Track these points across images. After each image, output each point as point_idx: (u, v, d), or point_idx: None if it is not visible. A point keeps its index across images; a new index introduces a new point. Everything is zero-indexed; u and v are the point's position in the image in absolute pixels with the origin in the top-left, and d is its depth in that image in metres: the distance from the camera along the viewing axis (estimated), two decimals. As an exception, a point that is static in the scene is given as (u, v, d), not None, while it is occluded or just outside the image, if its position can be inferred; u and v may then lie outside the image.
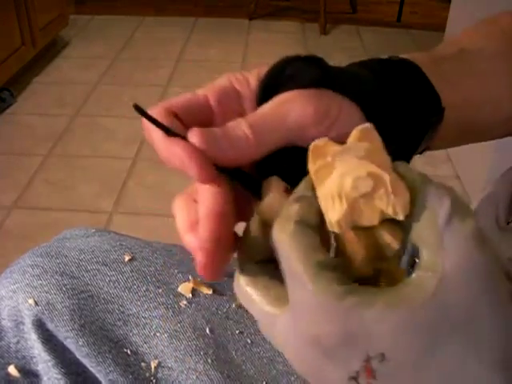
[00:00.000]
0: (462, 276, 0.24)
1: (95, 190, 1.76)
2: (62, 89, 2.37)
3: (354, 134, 0.29)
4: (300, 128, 0.31)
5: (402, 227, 0.27)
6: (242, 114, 0.34)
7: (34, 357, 0.48)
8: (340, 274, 0.26)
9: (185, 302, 0.48)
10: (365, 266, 0.27)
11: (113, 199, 1.72)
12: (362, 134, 0.29)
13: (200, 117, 0.33)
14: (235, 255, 0.31)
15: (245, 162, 0.31)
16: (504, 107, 0.43)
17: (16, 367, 0.48)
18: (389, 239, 0.27)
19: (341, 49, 2.84)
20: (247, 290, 0.29)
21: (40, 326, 0.46)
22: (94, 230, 0.54)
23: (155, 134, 0.31)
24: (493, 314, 0.24)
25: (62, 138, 2.03)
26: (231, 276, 0.47)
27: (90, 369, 0.47)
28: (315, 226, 0.27)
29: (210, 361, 0.45)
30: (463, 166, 1.84)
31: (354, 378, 0.25)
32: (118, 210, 1.68)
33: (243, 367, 0.45)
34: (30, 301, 0.47)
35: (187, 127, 0.31)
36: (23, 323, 0.47)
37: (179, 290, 0.49)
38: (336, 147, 0.29)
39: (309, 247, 0.26)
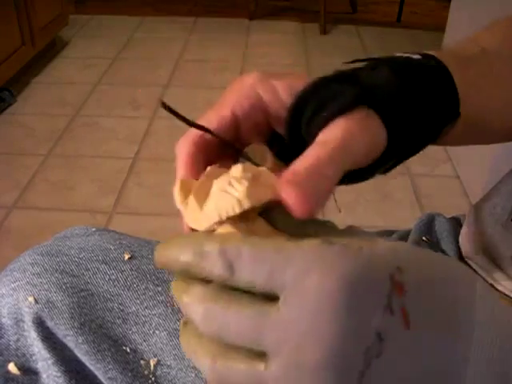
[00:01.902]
0: None
1: (95, 190, 1.76)
2: (62, 89, 2.37)
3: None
4: (356, 160, 0.31)
5: None
6: (267, 122, 0.34)
7: (34, 354, 0.48)
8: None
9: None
10: None
11: (113, 199, 1.72)
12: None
13: (228, 134, 0.34)
14: None
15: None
16: None
17: (16, 365, 0.49)
18: None
19: (341, 49, 2.84)
20: None
21: (40, 324, 0.47)
22: (94, 229, 0.55)
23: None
24: None
25: (62, 138, 2.03)
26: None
27: (90, 366, 0.47)
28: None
29: (209, 359, 0.45)
30: (463, 166, 1.85)
31: (389, 306, 0.24)
32: (118, 210, 1.69)
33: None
34: (30, 299, 0.47)
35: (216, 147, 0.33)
36: (23, 321, 0.48)
37: (178, 288, 0.49)
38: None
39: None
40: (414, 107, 0.34)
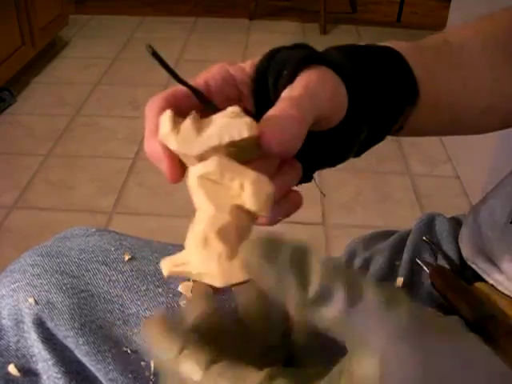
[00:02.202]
0: None
1: (95, 190, 1.76)
2: (61, 89, 2.37)
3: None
4: (322, 107, 0.32)
5: None
6: (238, 97, 0.36)
7: (34, 356, 0.48)
8: None
9: (184, 302, 0.48)
10: None
11: (113, 199, 1.72)
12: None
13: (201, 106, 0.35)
14: None
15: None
16: (480, 100, 0.45)
17: (16, 366, 0.48)
18: None
19: (341, 49, 2.84)
20: None
21: (40, 325, 0.47)
22: (94, 230, 0.55)
23: (147, 131, 0.33)
24: None
25: (62, 138, 2.03)
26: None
27: (90, 368, 0.47)
28: None
29: (209, 360, 0.45)
30: (463, 166, 1.85)
31: None
32: (118, 210, 1.68)
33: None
34: (30, 300, 0.47)
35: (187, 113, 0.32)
36: (23, 322, 0.47)
37: (179, 289, 0.49)
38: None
39: None
40: (367, 74, 0.37)
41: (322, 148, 0.36)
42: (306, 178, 0.38)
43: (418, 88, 0.39)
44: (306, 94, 0.32)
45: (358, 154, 0.40)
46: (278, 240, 0.24)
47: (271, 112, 0.31)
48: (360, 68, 0.37)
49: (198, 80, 0.36)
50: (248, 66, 0.36)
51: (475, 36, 0.46)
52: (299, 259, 0.23)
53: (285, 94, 0.33)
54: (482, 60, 0.45)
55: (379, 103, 0.37)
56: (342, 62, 0.36)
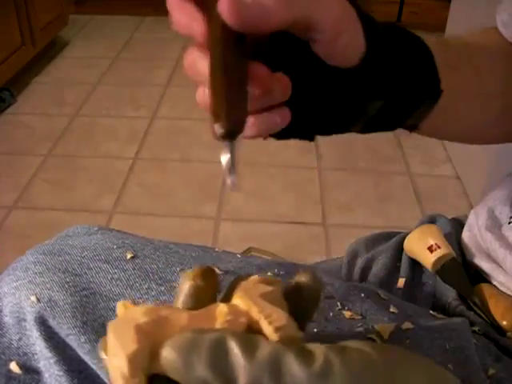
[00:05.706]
0: None
1: (95, 190, 1.76)
2: (61, 89, 2.37)
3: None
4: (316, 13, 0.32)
5: None
6: None
7: (36, 354, 0.48)
8: None
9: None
10: None
11: (113, 199, 1.72)
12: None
13: None
14: None
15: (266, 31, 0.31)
16: (494, 105, 0.45)
17: (17, 364, 0.48)
18: None
19: (341, 49, 2.84)
20: None
21: (42, 323, 0.46)
22: (96, 228, 0.55)
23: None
24: None
25: (62, 138, 2.03)
26: (232, 273, 0.47)
27: (92, 366, 0.47)
28: None
29: (211, 358, 0.45)
30: (463, 166, 1.85)
31: None
32: (118, 210, 1.68)
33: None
34: (33, 298, 0.47)
35: None
36: (25, 320, 0.47)
37: (180, 287, 0.49)
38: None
39: None
40: (394, 45, 0.37)
41: (330, 103, 0.35)
42: (309, 137, 0.38)
43: (440, 87, 0.39)
44: None
45: (364, 131, 0.39)
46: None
47: None
48: (388, 37, 0.38)
49: None
50: None
51: (489, 42, 0.46)
52: None
53: None
54: (497, 66, 0.45)
55: (397, 80, 0.37)
56: (375, 22, 0.38)
